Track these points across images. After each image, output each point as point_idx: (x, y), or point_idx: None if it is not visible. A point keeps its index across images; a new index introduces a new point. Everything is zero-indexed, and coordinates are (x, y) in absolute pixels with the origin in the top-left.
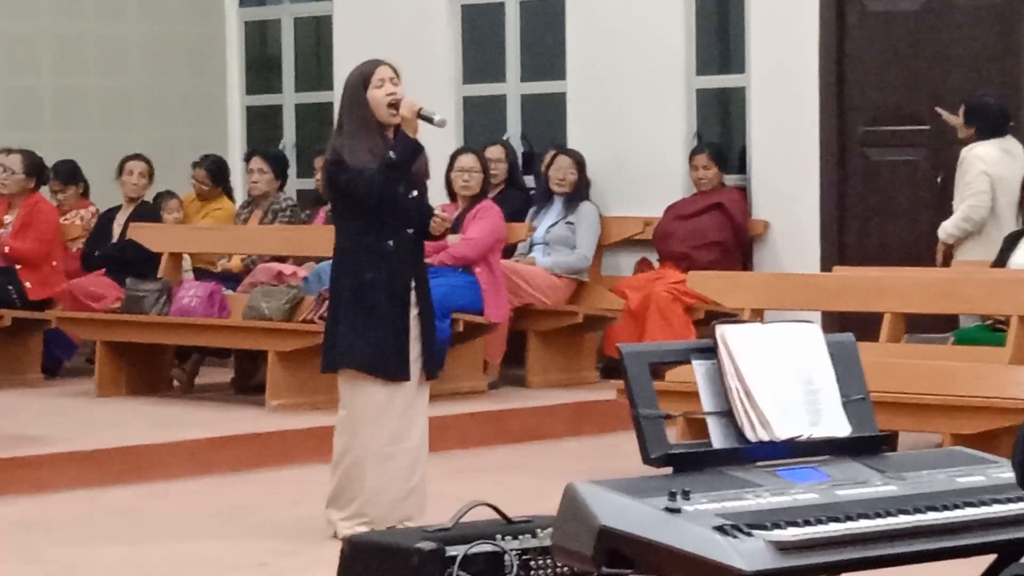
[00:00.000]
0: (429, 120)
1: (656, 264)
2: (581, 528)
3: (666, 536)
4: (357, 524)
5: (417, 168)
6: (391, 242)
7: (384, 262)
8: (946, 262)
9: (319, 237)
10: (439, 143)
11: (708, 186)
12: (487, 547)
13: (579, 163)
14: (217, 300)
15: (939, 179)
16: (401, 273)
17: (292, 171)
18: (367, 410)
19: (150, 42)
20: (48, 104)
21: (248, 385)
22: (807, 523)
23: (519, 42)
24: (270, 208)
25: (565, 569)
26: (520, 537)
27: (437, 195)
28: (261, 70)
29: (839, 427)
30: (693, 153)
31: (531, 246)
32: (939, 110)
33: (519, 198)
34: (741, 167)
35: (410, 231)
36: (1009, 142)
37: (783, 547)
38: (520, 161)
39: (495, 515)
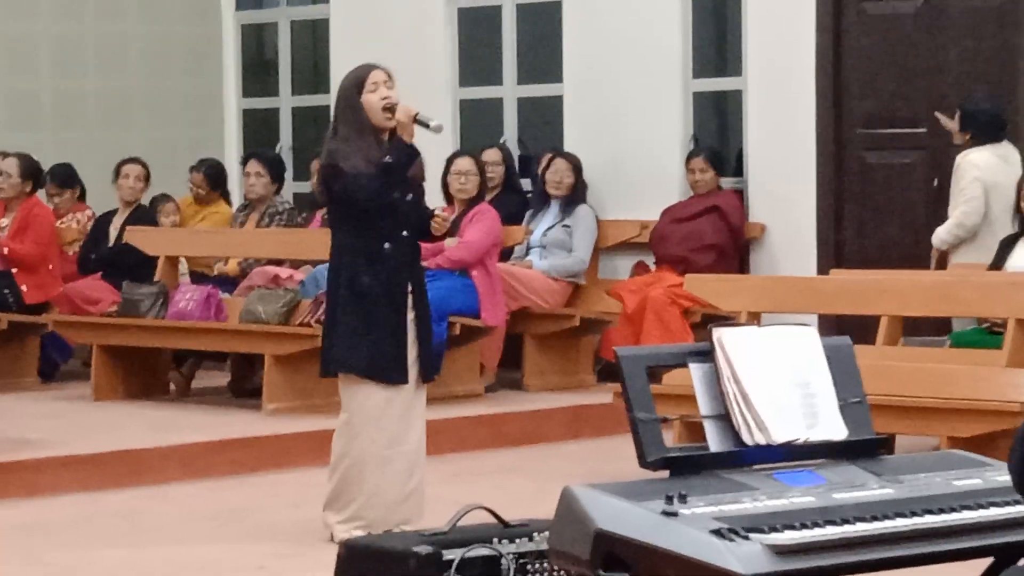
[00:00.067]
0: (425, 125)
1: (653, 267)
2: (578, 531)
3: (663, 540)
4: (354, 527)
5: (413, 172)
6: (387, 245)
7: (381, 265)
8: (940, 268)
9: (315, 240)
10: (436, 146)
11: (705, 189)
12: (484, 551)
13: (576, 166)
14: (213, 304)
15: (936, 182)
16: (398, 276)
17: (289, 174)
18: (366, 413)
19: (148, 44)
20: (47, 105)
21: (245, 388)
22: (804, 526)
23: (516, 45)
24: (267, 211)
25: (562, 573)
26: (517, 541)
27: (434, 198)
28: (258, 73)
29: (836, 430)
30: (690, 156)
31: (528, 249)
32: (938, 115)
33: (516, 201)
34: (738, 170)
35: (406, 234)
36: (1005, 148)
37: (780, 551)
38: (517, 164)
39: (492, 519)
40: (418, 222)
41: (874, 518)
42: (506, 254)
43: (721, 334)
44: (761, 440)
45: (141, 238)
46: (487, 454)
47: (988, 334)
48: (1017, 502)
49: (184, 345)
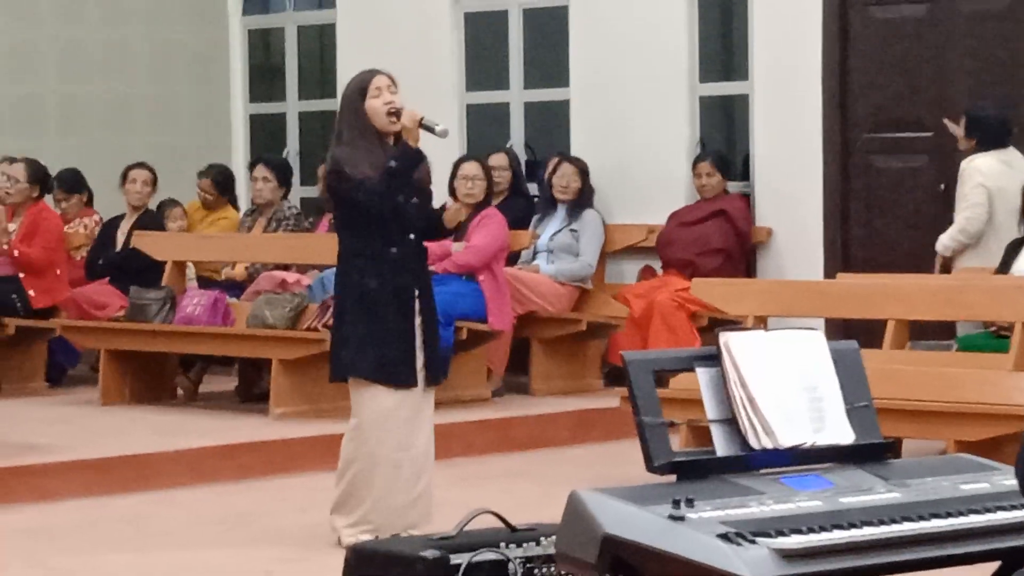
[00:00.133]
0: (431, 130)
1: (660, 271)
2: (585, 536)
3: (670, 544)
4: (361, 531)
5: (419, 176)
6: (394, 249)
7: (387, 269)
8: (944, 274)
9: (323, 245)
10: (443, 151)
11: (711, 193)
12: (491, 555)
13: (582, 171)
14: (221, 308)
15: (942, 186)
16: (405, 280)
17: (296, 179)
18: (375, 417)
19: (154, 50)
20: (52, 111)
21: (252, 393)
22: (811, 531)
23: (522, 50)
24: (274, 216)
25: None
26: (524, 545)
27: (440, 203)
28: (265, 78)
29: (843, 434)
30: (696, 160)
31: (535, 254)
32: (946, 121)
33: (523, 206)
34: (744, 174)
35: (412, 237)
36: (1010, 153)
37: (787, 555)
38: (524, 169)
39: (499, 523)
40: (425, 225)
41: (881, 522)
42: (513, 258)
43: (728, 338)
44: (768, 444)
45: (148, 243)
46: (494, 458)
47: (995, 338)
48: None
49: (191, 350)
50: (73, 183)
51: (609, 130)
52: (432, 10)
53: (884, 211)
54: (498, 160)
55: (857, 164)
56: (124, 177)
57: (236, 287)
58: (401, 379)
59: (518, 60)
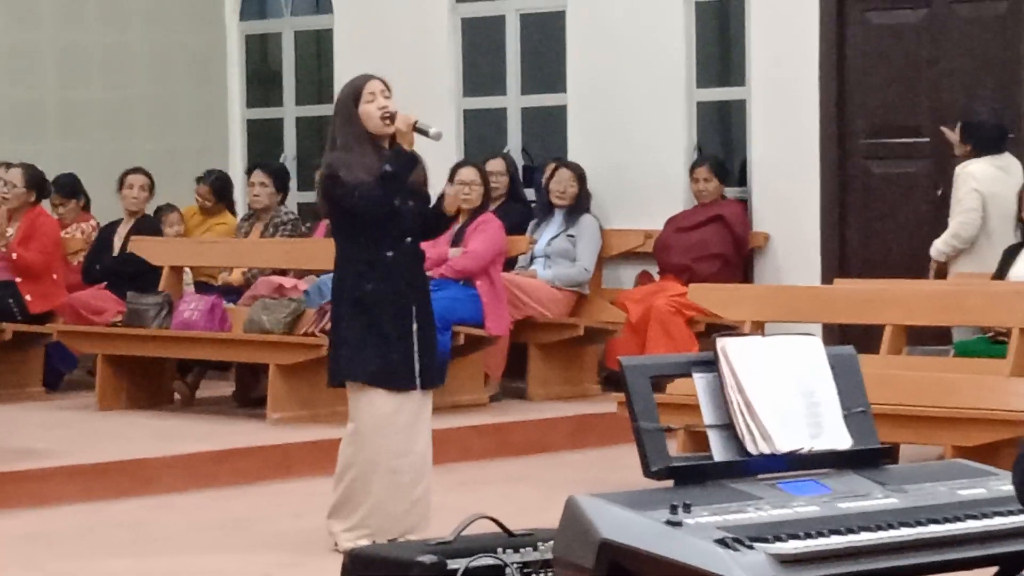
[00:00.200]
0: (425, 133)
1: (657, 277)
2: (582, 541)
3: (667, 549)
4: (359, 535)
5: (415, 178)
6: (390, 253)
7: (384, 273)
8: (938, 278)
9: (320, 250)
10: (440, 156)
11: (709, 198)
12: (488, 560)
13: (580, 176)
14: (218, 313)
15: (939, 192)
16: (402, 283)
17: (293, 184)
18: (373, 422)
19: (152, 54)
20: (51, 115)
21: (249, 398)
22: (808, 536)
23: (519, 55)
24: (271, 221)
25: None
26: (521, 550)
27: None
28: (262, 83)
29: (840, 439)
30: (694, 166)
31: (532, 259)
32: (944, 128)
33: (520, 211)
34: (742, 179)
35: (409, 240)
36: (1005, 159)
37: (784, 560)
38: (521, 174)
39: (496, 528)
40: (423, 227)
41: (878, 527)
42: (510, 264)
43: (725, 344)
44: (765, 449)
45: (145, 248)
46: (491, 463)
47: (992, 343)
48: (1022, 511)
49: (188, 355)
50: (70, 188)
51: (606, 135)
52: (429, 15)
53: (881, 216)
54: (495, 165)
55: (854, 169)
56: (121, 182)
57: (233, 292)
58: (399, 383)
59: (515, 65)
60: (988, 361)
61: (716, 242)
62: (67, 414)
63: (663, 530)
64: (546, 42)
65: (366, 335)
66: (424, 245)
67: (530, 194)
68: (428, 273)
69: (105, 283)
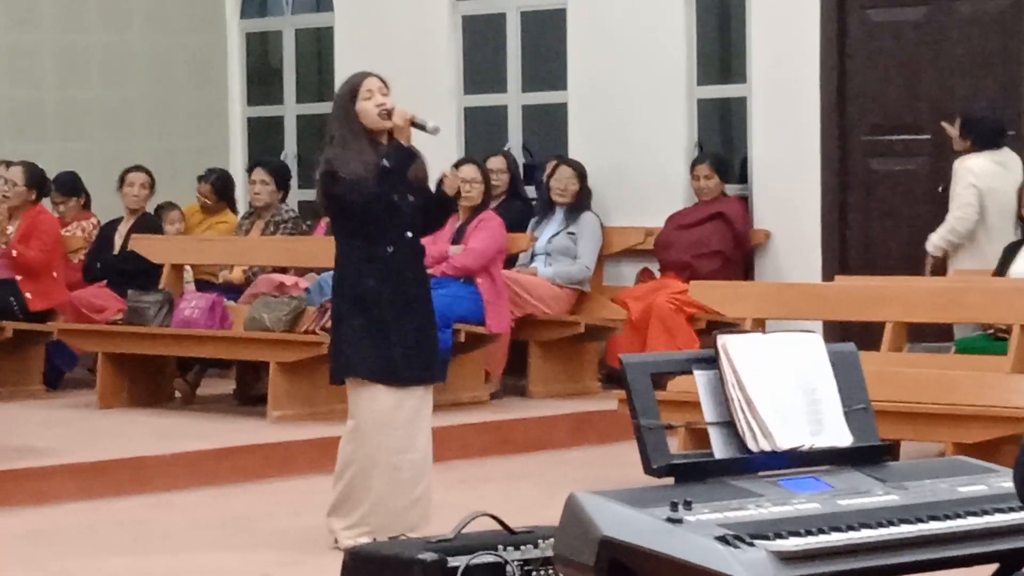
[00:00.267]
0: (422, 128)
1: (658, 274)
2: (583, 538)
3: (668, 546)
4: (359, 533)
5: (414, 173)
6: (390, 248)
7: (384, 268)
8: (935, 274)
9: (320, 248)
10: (440, 153)
11: (709, 196)
12: (489, 558)
13: (580, 173)
14: (219, 311)
15: (940, 188)
16: (402, 278)
17: (293, 182)
18: (374, 418)
19: (153, 53)
20: (51, 115)
21: (250, 396)
22: (809, 533)
23: (520, 52)
24: (272, 219)
25: None
26: (522, 548)
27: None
28: (262, 81)
29: (841, 437)
30: (694, 163)
31: (532, 256)
32: (943, 123)
33: (520, 208)
34: (742, 177)
35: (409, 235)
36: (1005, 154)
37: (785, 557)
38: (521, 171)
39: (497, 526)
40: (424, 221)
41: (879, 524)
42: (511, 261)
43: (726, 341)
44: (766, 447)
45: (146, 246)
46: (492, 461)
47: (992, 340)
48: (1022, 508)
49: (189, 353)
50: (71, 186)
51: (607, 133)
52: (430, 13)
53: (882, 213)
54: (496, 163)
55: (855, 167)
56: (121, 180)
57: (234, 290)
58: (401, 378)
59: (516, 63)
60: (989, 358)
61: (717, 239)
62: (67, 412)
63: (664, 527)
64: (547, 40)
65: (367, 331)
66: (425, 242)
67: (531, 192)
68: (429, 271)
69: (106, 281)
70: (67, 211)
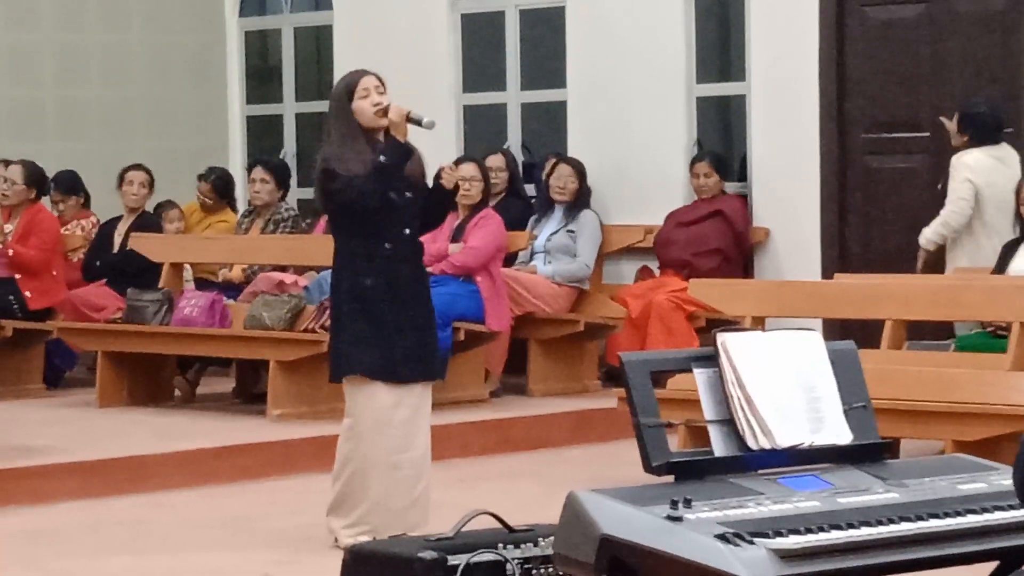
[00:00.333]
0: (418, 123)
1: (657, 272)
2: (583, 536)
3: (668, 544)
4: (359, 532)
5: (411, 169)
6: (388, 245)
7: (383, 266)
8: (927, 268)
9: (320, 246)
10: (440, 152)
11: (709, 194)
12: (489, 556)
13: (580, 171)
14: (218, 310)
15: (940, 186)
16: (401, 276)
17: (293, 180)
18: (373, 417)
19: (152, 53)
20: (51, 114)
21: (250, 394)
22: (809, 531)
23: (519, 51)
24: (272, 218)
25: None
26: (522, 546)
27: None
28: (262, 80)
29: (841, 435)
30: (694, 161)
31: (532, 255)
32: (942, 118)
33: (520, 207)
34: (742, 175)
35: (407, 232)
36: (1002, 149)
37: (785, 555)
38: (521, 170)
39: (497, 524)
40: (423, 217)
41: (879, 522)
42: (510, 259)
43: (725, 339)
44: (766, 444)
45: (145, 245)
46: (492, 459)
47: (992, 338)
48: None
49: (189, 351)
50: (70, 185)
51: (606, 131)
52: (429, 11)
53: (881, 211)
54: (495, 161)
55: (854, 164)
56: (121, 179)
57: (233, 288)
58: (401, 375)
59: (515, 61)
60: (988, 356)
61: (716, 237)
62: (67, 411)
63: (664, 525)
64: (546, 38)
65: (366, 329)
66: (424, 240)
67: (530, 190)
68: (428, 269)
69: (105, 280)
70: (66, 210)
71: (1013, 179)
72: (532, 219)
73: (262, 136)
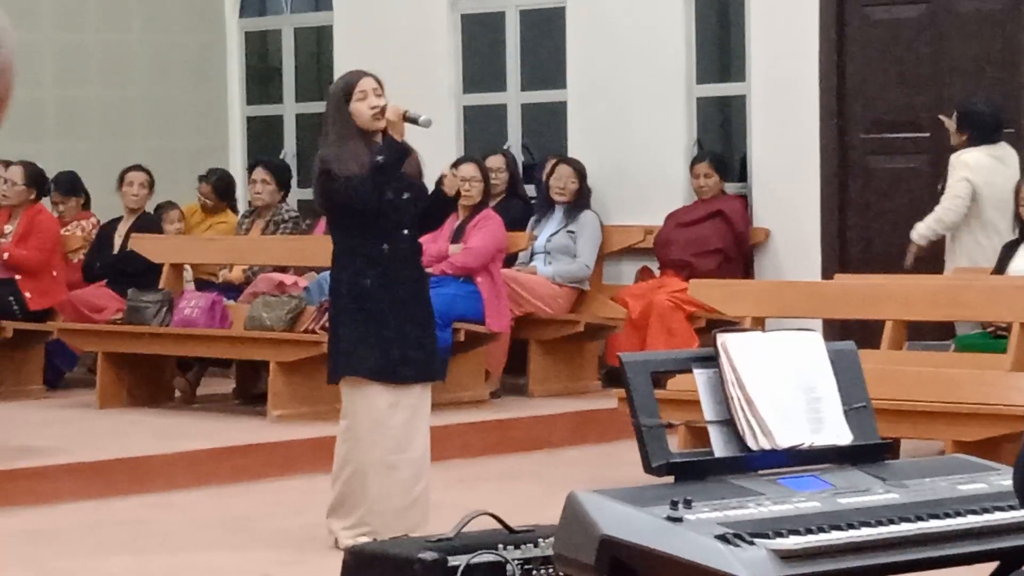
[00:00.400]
0: (414, 121)
1: (657, 272)
2: (583, 537)
3: (668, 545)
4: (359, 534)
5: (409, 170)
6: (386, 246)
7: (381, 266)
8: (916, 263)
9: (320, 247)
10: (439, 152)
11: (709, 194)
12: (489, 557)
13: (580, 172)
14: (218, 311)
15: (939, 186)
16: (399, 276)
17: (293, 181)
18: (370, 418)
19: (152, 53)
20: (51, 115)
21: (250, 395)
22: (809, 531)
23: (520, 51)
24: (272, 219)
25: None
26: (522, 546)
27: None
28: (262, 80)
29: (841, 435)
30: (694, 161)
31: (532, 255)
32: (942, 117)
33: (520, 207)
34: (742, 175)
35: (406, 232)
36: (1001, 149)
37: (785, 556)
38: (521, 170)
39: (497, 524)
40: (422, 218)
41: (879, 523)
42: (510, 260)
43: (725, 339)
44: (766, 445)
45: (146, 245)
46: (492, 460)
47: (992, 338)
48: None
49: (189, 352)
50: (70, 186)
51: (606, 131)
52: (429, 12)
53: (881, 212)
54: (495, 162)
55: (854, 165)
56: (121, 180)
57: (233, 289)
58: (399, 377)
59: (515, 61)
60: (988, 356)
61: (716, 238)
62: (67, 412)
63: (664, 526)
64: (546, 38)
65: (364, 330)
66: (424, 240)
67: (530, 190)
68: (428, 270)
69: (105, 281)
70: (66, 211)
71: (1012, 179)
72: (532, 220)
73: (262, 136)
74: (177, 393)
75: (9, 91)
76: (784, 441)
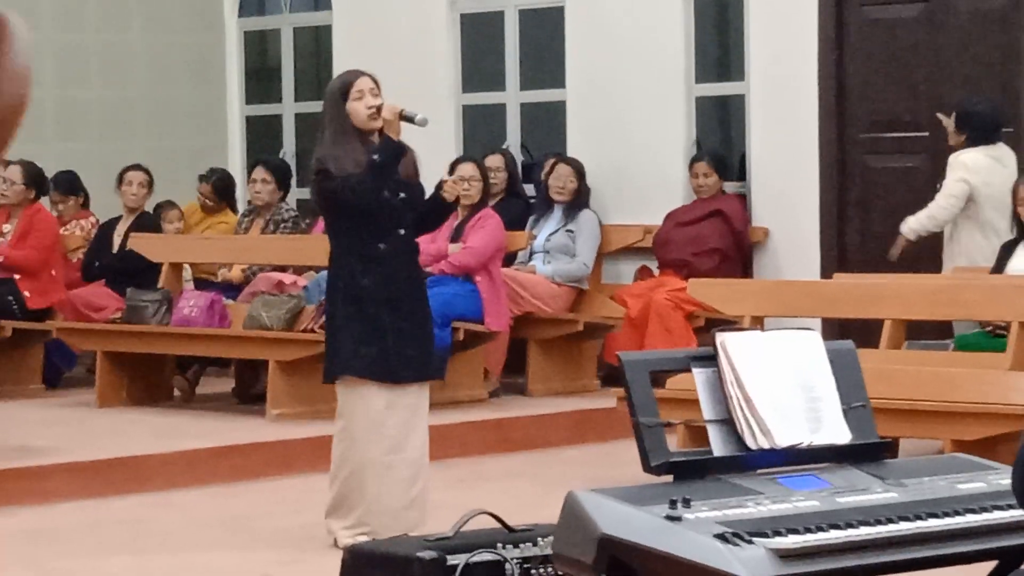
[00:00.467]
0: (411, 120)
1: (656, 272)
2: (582, 536)
3: (667, 544)
4: (358, 533)
5: (405, 169)
6: (382, 245)
7: (378, 266)
8: (902, 257)
9: (319, 247)
10: (438, 151)
11: (708, 193)
12: (488, 556)
13: (579, 171)
14: (217, 310)
15: (938, 186)
16: (395, 275)
17: (292, 180)
18: (366, 418)
19: (152, 53)
20: (51, 115)
21: (249, 394)
22: (808, 531)
23: (519, 51)
24: (272, 219)
25: None
26: (521, 546)
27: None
28: (261, 80)
29: (840, 434)
30: (693, 161)
31: (531, 254)
32: (940, 116)
33: (519, 206)
34: (741, 174)
35: (402, 232)
36: (999, 149)
37: (784, 555)
38: (520, 169)
39: (496, 524)
40: (418, 218)
41: (878, 522)
42: (509, 259)
43: (724, 338)
44: (765, 444)
45: (145, 245)
46: (491, 459)
47: (991, 337)
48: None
49: (188, 351)
50: (69, 185)
51: (605, 131)
52: (428, 11)
53: (880, 211)
54: (494, 161)
55: (853, 164)
56: (120, 179)
57: (233, 289)
58: (396, 376)
59: (514, 61)
60: (987, 355)
61: (715, 237)
62: (67, 411)
63: (663, 525)
64: (545, 38)
65: (361, 329)
66: (424, 240)
67: (529, 190)
68: (427, 269)
69: (104, 280)
70: (66, 210)
71: (1010, 179)
72: (531, 219)
73: (262, 136)
74: (176, 392)
75: (27, 97)
76: (783, 440)
